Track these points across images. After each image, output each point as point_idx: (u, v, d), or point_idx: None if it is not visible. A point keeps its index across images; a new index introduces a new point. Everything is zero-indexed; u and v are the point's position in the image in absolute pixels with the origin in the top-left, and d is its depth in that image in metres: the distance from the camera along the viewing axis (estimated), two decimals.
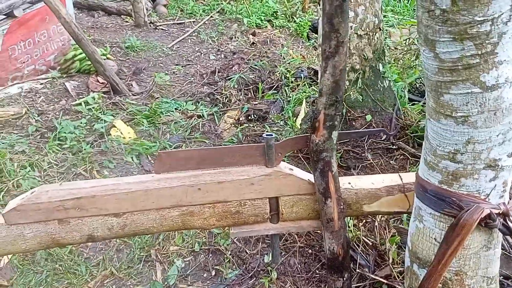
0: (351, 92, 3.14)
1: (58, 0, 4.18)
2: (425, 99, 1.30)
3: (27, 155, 3.45)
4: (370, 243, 2.45)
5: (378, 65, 3.15)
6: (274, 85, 4.66)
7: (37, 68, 4.84)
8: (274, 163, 1.37)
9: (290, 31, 6.52)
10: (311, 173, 1.39)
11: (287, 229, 1.48)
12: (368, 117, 3.04)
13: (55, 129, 3.88)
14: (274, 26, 6.76)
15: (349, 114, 3.14)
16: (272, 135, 1.34)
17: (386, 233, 2.49)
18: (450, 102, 1.07)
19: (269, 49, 5.73)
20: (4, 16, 4.37)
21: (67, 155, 3.59)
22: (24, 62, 4.65)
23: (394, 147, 3.04)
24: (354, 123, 3.06)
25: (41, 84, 4.70)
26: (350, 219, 2.58)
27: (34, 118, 4.05)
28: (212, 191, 1.35)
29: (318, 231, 2.52)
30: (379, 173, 2.62)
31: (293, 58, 5.17)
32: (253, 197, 1.39)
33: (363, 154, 2.97)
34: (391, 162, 2.94)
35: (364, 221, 2.55)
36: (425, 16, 1.01)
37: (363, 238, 2.47)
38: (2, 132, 3.76)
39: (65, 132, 3.81)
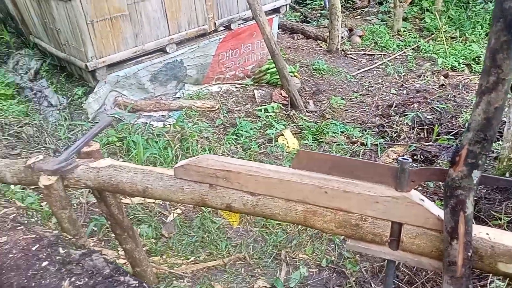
0: None
1: (266, 21, 4.85)
2: None
3: (209, 141, 4.12)
4: None
5: None
6: (453, 131, 4.32)
7: (236, 74, 5.68)
8: (404, 188, 1.36)
9: None
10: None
11: (405, 259, 1.43)
12: None
13: (235, 126, 4.50)
14: (473, 71, 6.22)
15: None
16: (408, 159, 1.34)
17: None
18: None
19: (459, 93, 5.32)
20: (223, 28, 5.30)
21: (238, 149, 4.12)
22: (228, 68, 5.53)
23: None
24: None
25: (236, 88, 5.50)
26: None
27: (223, 114, 4.78)
28: (337, 197, 1.43)
29: None
30: None
31: None
32: (375, 216, 1.41)
33: None
34: None
35: None
36: None
37: None
38: (197, 119, 4.57)
39: (242, 130, 4.38)
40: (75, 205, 3.17)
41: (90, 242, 2.74)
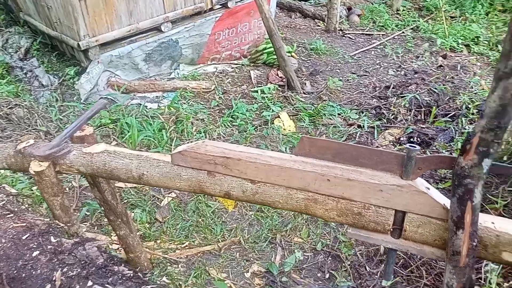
0: None
1: None
2: None
3: (204, 123, 4.05)
4: None
5: None
6: (451, 113, 4.28)
7: (232, 54, 5.55)
8: (410, 177, 1.32)
9: (490, 60, 5.82)
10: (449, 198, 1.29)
11: (407, 248, 1.40)
12: None
13: (231, 108, 4.42)
14: (472, 52, 6.14)
15: None
16: (416, 147, 1.29)
17: None
18: None
19: (457, 75, 5.26)
20: (220, 6, 5.15)
21: (234, 131, 4.06)
22: (224, 47, 5.41)
23: None
24: None
25: (232, 68, 5.39)
26: (496, 276, 2.24)
27: (219, 95, 4.69)
28: (340, 185, 1.39)
29: None
30: None
31: (483, 89, 4.63)
32: (379, 204, 1.37)
33: None
34: None
35: (511, 282, 2.18)
36: None
37: None
38: (192, 100, 4.48)
39: (238, 112, 4.31)
40: (67, 189, 3.11)
41: (83, 228, 2.70)
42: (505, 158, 2.91)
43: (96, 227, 2.93)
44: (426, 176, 3.41)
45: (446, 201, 1.31)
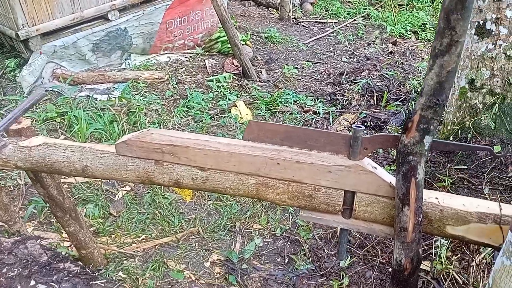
0: (483, 117, 2.82)
1: None
2: None
3: (158, 114, 3.94)
4: (461, 282, 2.20)
5: None
6: (401, 98, 4.43)
7: (186, 43, 5.42)
8: (357, 157, 1.33)
9: None
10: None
11: (357, 227, 1.43)
12: (497, 148, 2.69)
13: (186, 98, 4.33)
14: (419, 38, 6.37)
15: (474, 140, 2.82)
16: (361, 127, 1.30)
17: (484, 277, 2.20)
18: None
19: (406, 60, 5.44)
20: None
21: (189, 121, 3.98)
22: (176, 36, 5.27)
23: None
24: (477, 151, 2.74)
25: (186, 57, 5.27)
26: (445, 250, 2.35)
27: (173, 85, 4.57)
28: (289, 168, 1.38)
29: None
30: None
31: None
32: (328, 185, 1.37)
33: (479, 187, 2.65)
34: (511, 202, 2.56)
35: (459, 255, 2.29)
36: None
37: (454, 273, 2.23)
38: (145, 91, 4.35)
39: (193, 102, 4.23)
40: (11, 187, 2.93)
41: (30, 227, 2.55)
42: (451, 138, 3.04)
43: (45, 225, 2.78)
44: (380, 158, 3.52)
45: (392, 179, 1.34)
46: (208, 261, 2.66)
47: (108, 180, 3.12)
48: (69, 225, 2.12)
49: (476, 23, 2.80)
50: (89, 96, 4.09)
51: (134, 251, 2.63)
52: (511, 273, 1.11)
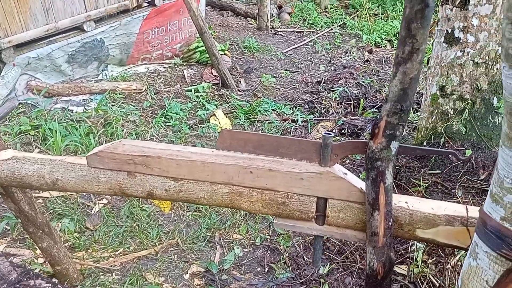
0: (454, 122, 2.89)
1: None
2: None
3: (136, 125, 3.90)
4: (437, 284, 2.23)
5: (493, 98, 2.84)
6: (378, 105, 4.51)
7: (164, 53, 5.42)
8: (328, 163, 1.35)
9: None
10: None
11: (331, 234, 1.44)
12: (468, 152, 2.76)
13: (164, 108, 4.30)
14: (394, 46, 6.51)
15: (446, 145, 2.89)
16: (331, 134, 1.33)
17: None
18: None
19: (382, 68, 5.56)
20: (147, 4, 5.00)
21: (168, 132, 3.96)
22: (154, 46, 5.25)
23: None
24: (449, 156, 2.81)
25: (164, 68, 5.26)
26: (421, 254, 2.38)
27: (151, 96, 4.55)
28: (262, 177, 1.39)
29: None
30: None
31: None
32: (301, 192, 1.39)
33: (453, 190, 2.71)
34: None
35: (435, 259, 2.33)
36: (508, 28, 0.91)
37: (430, 276, 2.26)
38: (123, 102, 4.31)
39: (171, 112, 4.21)
40: None
41: (2, 244, 2.48)
42: (424, 143, 3.11)
43: (18, 242, 2.71)
44: (357, 164, 3.56)
45: (362, 185, 1.36)
46: (187, 273, 2.63)
47: (85, 194, 3.07)
48: (42, 241, 2.07)
49: (445, 31, 2.89)
50: (65, 108, 4.03)
51: (111, 266, 2.58)
52: (478, 274, 1.14)
